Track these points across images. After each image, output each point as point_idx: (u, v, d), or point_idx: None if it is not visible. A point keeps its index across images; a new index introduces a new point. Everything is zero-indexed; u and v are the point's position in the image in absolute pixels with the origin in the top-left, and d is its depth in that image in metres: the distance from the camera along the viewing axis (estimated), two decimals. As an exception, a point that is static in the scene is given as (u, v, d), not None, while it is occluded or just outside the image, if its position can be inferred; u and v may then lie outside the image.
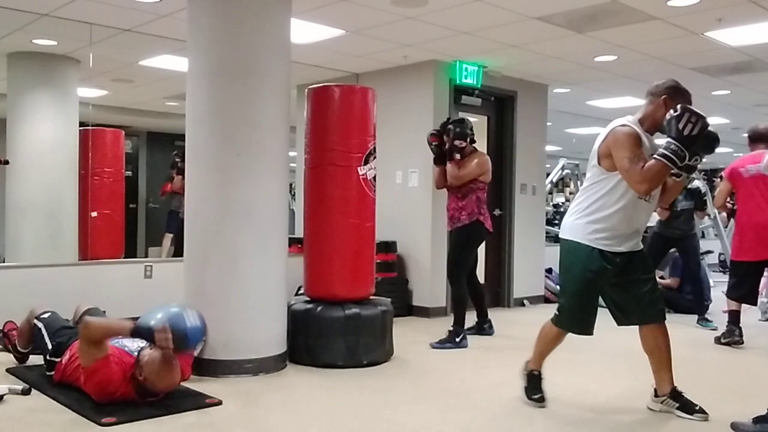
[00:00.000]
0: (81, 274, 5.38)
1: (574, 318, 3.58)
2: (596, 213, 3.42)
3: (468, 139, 5.36)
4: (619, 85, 7.74)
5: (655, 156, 3.17)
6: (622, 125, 3.36)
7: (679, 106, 3.16)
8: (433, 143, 5.48)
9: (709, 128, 3.18)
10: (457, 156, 5.30)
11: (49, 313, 4.04)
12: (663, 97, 3.35)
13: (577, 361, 4.87)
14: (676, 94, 3.34)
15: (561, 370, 4.54)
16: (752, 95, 8.28)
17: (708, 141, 3.25)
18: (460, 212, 5.36)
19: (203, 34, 4.30)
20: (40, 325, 3.96)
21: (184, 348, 3.53)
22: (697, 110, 3.13)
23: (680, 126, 3.09)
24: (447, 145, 5.36)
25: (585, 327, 3.57)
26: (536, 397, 3.69)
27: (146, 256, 7.83)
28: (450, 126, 5.38)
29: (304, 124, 4.87)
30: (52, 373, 3.80)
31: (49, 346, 3.85)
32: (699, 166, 3.54)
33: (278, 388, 4.00)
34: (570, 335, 3.67)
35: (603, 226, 3.40)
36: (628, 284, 3.50)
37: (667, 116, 3.18)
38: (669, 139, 3.15)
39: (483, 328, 5.76)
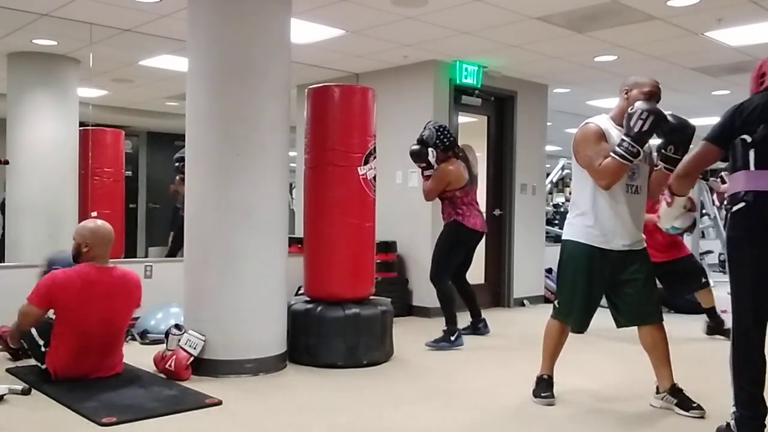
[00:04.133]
0: (81, 274, 5.36)
1: (569, 312, 3.62)
2: (585, 210, 3.50)
3: (429, 156, 5.29)
4: (619, 85, 7.70)
5: (610, 153, 3.32)
6: (587, 123, 3.51)
7: (636, 104, 3.33)
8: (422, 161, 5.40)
9: (680, 119, 3.35)
10: (427, 173, 5.33)
11: None
12: (625, 90, 3.50)
13: (577, 361, 4.88)
14: (634, 86, 3.48)
15: (561, 370, 4.54)
16: (752, 95, 8.24)
17: (682, 130, 3.37)
18: (442, 213, 5.46)
19: (203, 34, 4.30)
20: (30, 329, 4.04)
21: None
22: (651, 107, 3.28)
23: (631, 123, 3.27)
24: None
25: (578, 323, 3.62)
26: (544, 395, 3.69)
27: (146, 256, 7.82)
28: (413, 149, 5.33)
29: (304, 124, 4.87)
30: (45, 365, 3.89)
31: (41, 344, 3.95)
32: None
33: (278, 388, 4.00)
34: (571, 336, 3.68)
35: (592, 222, 3.47)
36: (624, 283, 3.51)
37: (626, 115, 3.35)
38: (622, 136, 3.32)
39: (478, 327, 5.75)
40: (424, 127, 5.38)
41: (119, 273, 4.04)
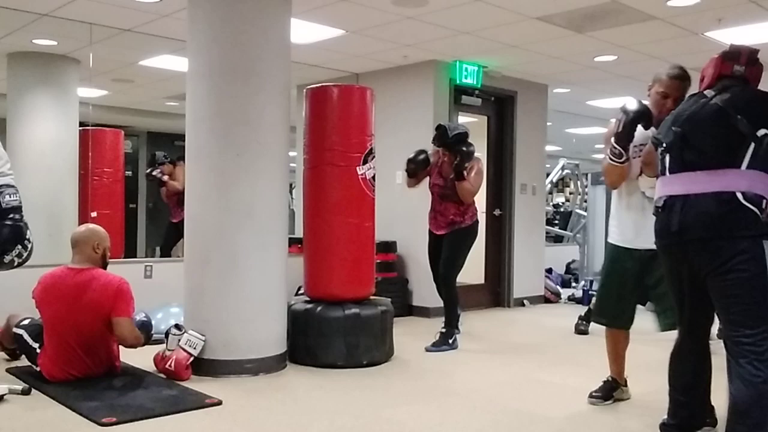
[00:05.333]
0: (81, 274, 5.36)
1: (602, 308, 3.63)
2: (613, 211, 3.57)
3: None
4: (619, 85, 7.74)
5: None
6: (609, 121, 3.50)
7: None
8: (420, 156, 5.35)
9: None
10: (465, 173, 5.15)
11: (28, 320, 4.13)
12: (648, 87, 3.46)
13: (577, 361, 4.88)
14: (655, 82, 3.42)
15: (561, 371, 4.56)
16: (752, 95, 8.24)
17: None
18: (462, 216, 5.26)
19: (203, 34, 4.30)
20: (20, 332, 4.05)
21: None
22: (629, 106, 3.25)
23: (615, 124, 3.27)
24: (454, 164, 5.11)
25: (612, 318, 3.60)
26: (594, 393, 3.70)
27: (152, 256, 7.81)
28: (463, 149, 5.09)
29: (303, 125, 4.86)
30: (38, 367, 3.90)
31: (35, 346, 3.97)
32: None
33: (278, 388, 4.00)
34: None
35: (617, 222, 3.52)
36: (656, 287, 3.42)
37: None
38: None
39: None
40: (452, 135, 5.17)
41: (86, 276, 3.88)
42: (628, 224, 3.44)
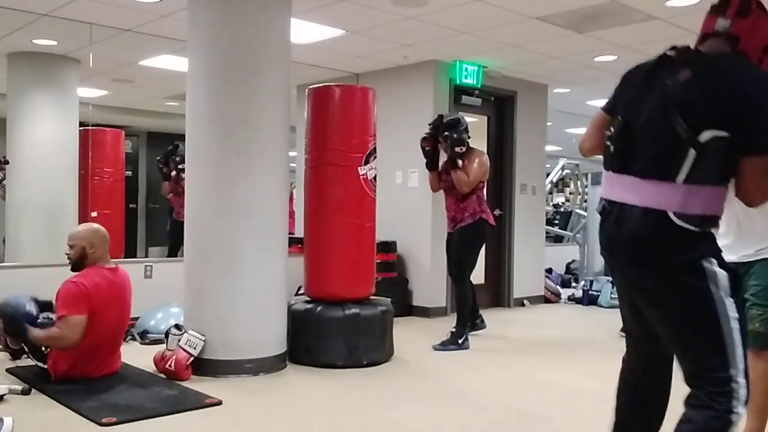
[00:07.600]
0: (81, 274, 5.36)
1: None
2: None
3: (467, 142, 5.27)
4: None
5: None
6: None
7: None
8: (426, 148, 5.36)
9: None
10: (460, 162, 5.20)
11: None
12: None
13: (577, 361, 4.88)
14: None
15: (561, 371, 4.56)
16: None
17: None
18: (462, 213, 5.29)
19: (203, 34, 4.30)
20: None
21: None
22: None
23: None
24: (447, 152, 5.24)
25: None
26: None
27: (146, 256, 7.82)
28: (446, 133, 5.20)
29: (305, 124, 4.87)
30: (46, 365, 3.88)
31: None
32: None
33: (278, 388, 4.00)
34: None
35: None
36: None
37: None
38: None
39: (475, 323, 5.71)
40: (445, 121, 5.28)
41: (123, 271, 4.11)
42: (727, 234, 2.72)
